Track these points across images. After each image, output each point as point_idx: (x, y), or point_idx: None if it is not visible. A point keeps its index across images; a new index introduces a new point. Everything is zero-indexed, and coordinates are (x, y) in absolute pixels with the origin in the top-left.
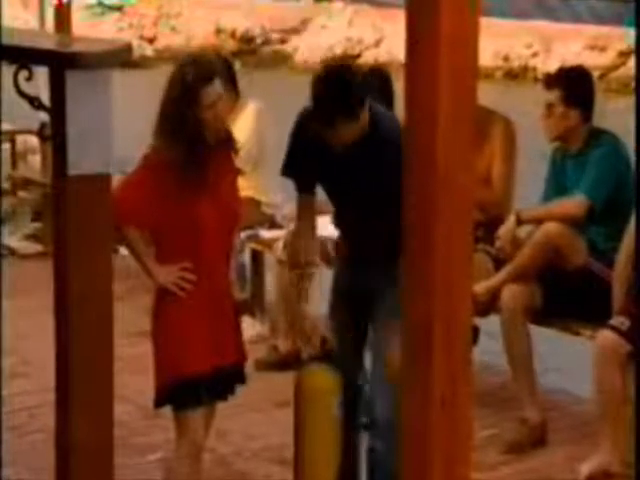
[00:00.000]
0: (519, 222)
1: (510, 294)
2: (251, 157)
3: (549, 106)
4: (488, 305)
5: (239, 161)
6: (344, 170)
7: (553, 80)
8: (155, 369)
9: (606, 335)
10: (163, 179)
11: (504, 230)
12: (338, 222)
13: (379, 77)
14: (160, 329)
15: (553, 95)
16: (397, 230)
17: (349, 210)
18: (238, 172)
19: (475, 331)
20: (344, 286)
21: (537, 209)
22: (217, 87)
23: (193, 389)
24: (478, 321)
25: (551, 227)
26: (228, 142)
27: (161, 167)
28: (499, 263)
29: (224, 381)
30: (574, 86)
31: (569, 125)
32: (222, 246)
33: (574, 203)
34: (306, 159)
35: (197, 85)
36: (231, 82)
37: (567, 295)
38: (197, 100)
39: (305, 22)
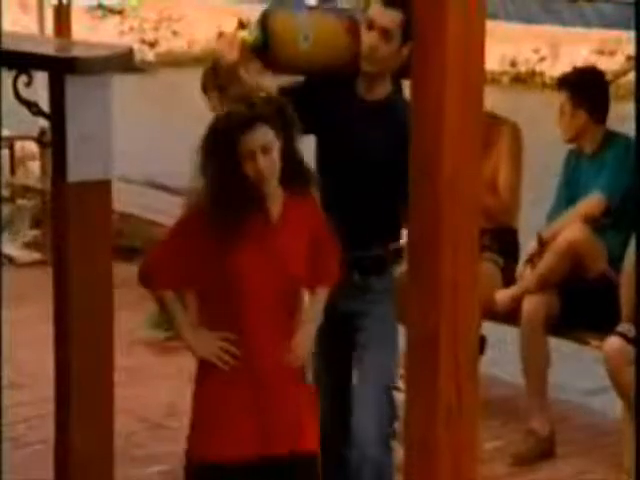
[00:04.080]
0: (542, 244)
1: (531, 306)
2: None
3: (561, 107)
4: (511, 314)
5: None
6: (361, 127)
7: (562, 81)
8: (186, 443)
9: (613, 341)
10: (199, 228)
11: (529, 256)
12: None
13: None
14: (197, 401)
15: (563, 96)
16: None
17: (343, 183)
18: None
19: (482, 341)
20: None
21: (555, 225)
22: (259, 134)
23: (219, 478)
24: (485, 331)
25: (573, 234)
26: (301, 179)
27: (196, 214)
28: (505, 271)
29: (271, 474)
30: (581, 87)
31: (578, 125)
32: (273, 311)
33: (591, 202)
34: (323, 94)
35: (233, 132)
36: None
37: (586, 305)
38: (235, 149)
39: None
